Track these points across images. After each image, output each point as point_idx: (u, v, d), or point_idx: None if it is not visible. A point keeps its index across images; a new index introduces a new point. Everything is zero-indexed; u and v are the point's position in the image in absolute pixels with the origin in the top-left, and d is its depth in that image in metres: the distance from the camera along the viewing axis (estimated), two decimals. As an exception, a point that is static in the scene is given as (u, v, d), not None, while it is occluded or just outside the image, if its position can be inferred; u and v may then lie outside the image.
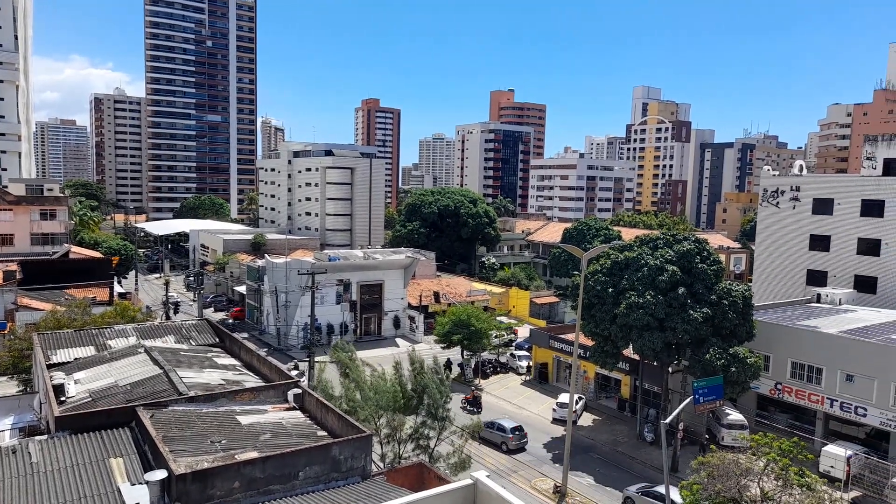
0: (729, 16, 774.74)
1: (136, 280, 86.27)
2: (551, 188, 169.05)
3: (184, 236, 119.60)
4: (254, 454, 16.54)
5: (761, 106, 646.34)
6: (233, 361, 26.38)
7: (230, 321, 72.66)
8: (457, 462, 26.92)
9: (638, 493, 32.36)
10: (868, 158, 55.21)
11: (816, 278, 54.63)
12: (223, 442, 17.37)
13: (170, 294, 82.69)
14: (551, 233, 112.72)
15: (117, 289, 61.80)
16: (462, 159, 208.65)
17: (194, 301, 79.18)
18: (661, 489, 29.36)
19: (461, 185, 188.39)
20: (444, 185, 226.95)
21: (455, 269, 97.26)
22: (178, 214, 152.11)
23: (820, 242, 54.99)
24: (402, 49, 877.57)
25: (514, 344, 61.41)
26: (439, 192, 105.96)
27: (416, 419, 29.14)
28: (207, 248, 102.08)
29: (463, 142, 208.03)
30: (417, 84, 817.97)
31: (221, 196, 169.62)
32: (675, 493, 27.97)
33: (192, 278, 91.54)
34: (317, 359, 50.84)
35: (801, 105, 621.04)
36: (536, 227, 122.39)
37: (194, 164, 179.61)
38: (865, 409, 36.22)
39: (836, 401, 37.44)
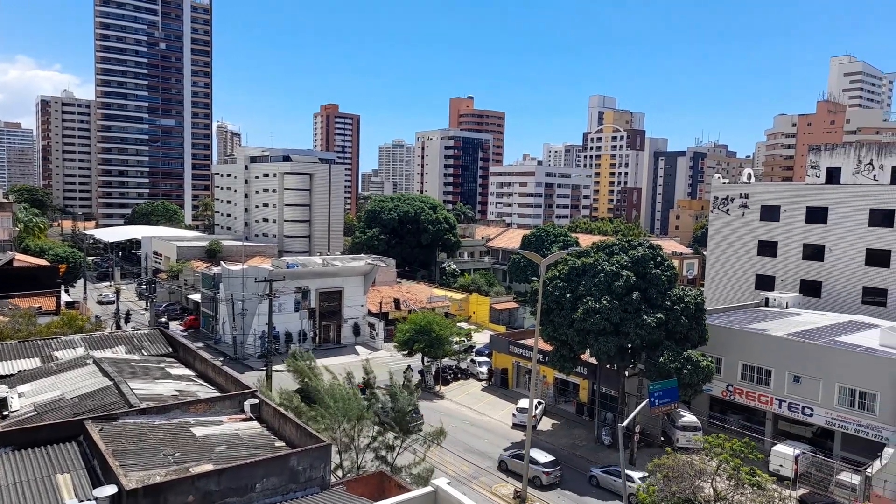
0: (680, 28, 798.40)
1: (85, 288, 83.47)
2: (510, 195, 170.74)
3: (135, 243, 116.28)
4: (209, 466, 16.15)
5: (712, 116, 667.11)
6: (187, 372, 25.72)
7: (182, 329, 70.88)
8: (420, 472, 26.53)
9: (602, 472, 35.47)
10: (812, 167, 57.54)
11: (765, 283, 56.52)
12: (176, 455, 16.91)
13: (105, 296, 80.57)
14: (511, 239, 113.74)
15: (64, 298, 59.58)
16: (422, 166, 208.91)
17: (146, 310, 76.99)
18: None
19: (421, 192, 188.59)
20: (404, 192, 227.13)
21: (415, 275, 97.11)
22: (130, 221, 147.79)
23: (768, 248, 56.94)
24: (361, 55, 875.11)
25: (474, 350, 61.63)
26: (399, 199, 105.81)
27: (376, 428, 28.84)
28: (160, 255, 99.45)
29: (423, 148, 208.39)
30: (377, 90, 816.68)
31: (175, 202, 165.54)
32: (634, 473, 29.50)
33: (144, 286, 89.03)
34: (275, 367, 50.03)
35: (749, 115, 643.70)
36: (496, 233, 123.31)
37: (147, 170, 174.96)
38: (812, 409, 37.58)
39: (785, 401, 38.75)
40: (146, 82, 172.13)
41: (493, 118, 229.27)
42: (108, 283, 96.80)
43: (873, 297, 50.38)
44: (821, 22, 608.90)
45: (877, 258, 50.32)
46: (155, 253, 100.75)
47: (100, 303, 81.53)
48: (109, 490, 14.24)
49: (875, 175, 53.35)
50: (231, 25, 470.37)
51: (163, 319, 71.43)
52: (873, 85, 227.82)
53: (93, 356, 25.36)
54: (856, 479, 32.79)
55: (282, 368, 52.34)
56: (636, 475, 33.08)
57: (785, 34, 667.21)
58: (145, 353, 27.90)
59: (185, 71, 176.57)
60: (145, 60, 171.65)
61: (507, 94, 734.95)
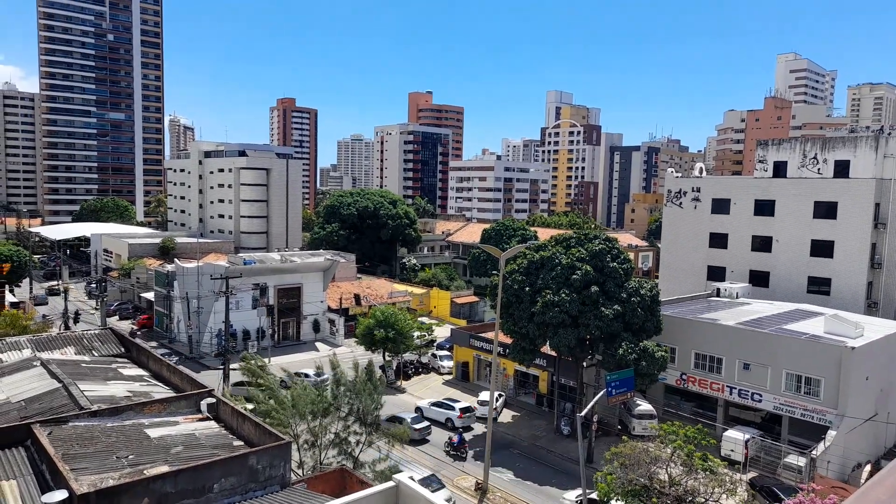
0: (634, 25, 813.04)
1: (31, 288, 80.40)
2: (470, 189, 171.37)
3: (84, 241, 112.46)
4: (164, 468, 15.83)
5: (665, 111, 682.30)
6: (140, 372, 25.10)
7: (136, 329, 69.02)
8: (384, 469, 26.39)
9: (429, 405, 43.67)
10: (760, 161, 59.44)
11: (716, 274, 58.24)
12: (130, 457, 16.51)
13: (37, 297, 77.54)
14: (471, 233, 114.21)
15: (9, 298, 57.33)
16: (381, 160, 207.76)
17: (96, 309, 74.64)
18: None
19: (381, 187, 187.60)
20: (363, 187, 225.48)
21: (376, 270, 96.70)
22: (78, 218, 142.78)
23: (719, 240, 58.66)
24: (318, 49, 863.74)
25: (435, 344, 61.77)
26: (359, 194, 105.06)
27: (339, 424, 28.63)
28: (111, 253, 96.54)
29: (382, 143, 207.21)
30: (334, 84, 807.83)
31: (126, 198, 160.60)
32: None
33: (94, 285, 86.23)
34: (233, 366, 49.23)
35: (700, 110, 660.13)
36: (456, 227, 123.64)
37: (95, 165, 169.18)
38: (761, 395, 38.96)
39: (735, 388, 40.06)
40: (94, 75, 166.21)
41: (452, 113, 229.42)
42: (55, 283, 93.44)
43: (818, 287, 52.46)
44: (769, 20, 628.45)
45: (821, 249, 52.38)
46: (105, 251, 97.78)
47: (37, 304, 77.80)
48: (59, 495, 13.82)
49: (819, 169, 55.46)
50: (182, 17, 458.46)
51: (113, 318, 69.32)
52: (817, 82, 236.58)
53: (40, 358, 24.52)
54: (801, 462, 34.17)
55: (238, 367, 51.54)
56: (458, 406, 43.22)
57: (734, 32, 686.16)
58: (96, 354, 27.11)
59: (134, 63, 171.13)
60: (92, 52, 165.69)
61: (466, 90, 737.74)
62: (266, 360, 39.83)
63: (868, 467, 35.65)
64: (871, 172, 52.05)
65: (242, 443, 18.51)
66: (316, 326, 66.79)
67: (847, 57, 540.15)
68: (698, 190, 60.12)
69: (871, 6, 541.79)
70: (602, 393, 32.72)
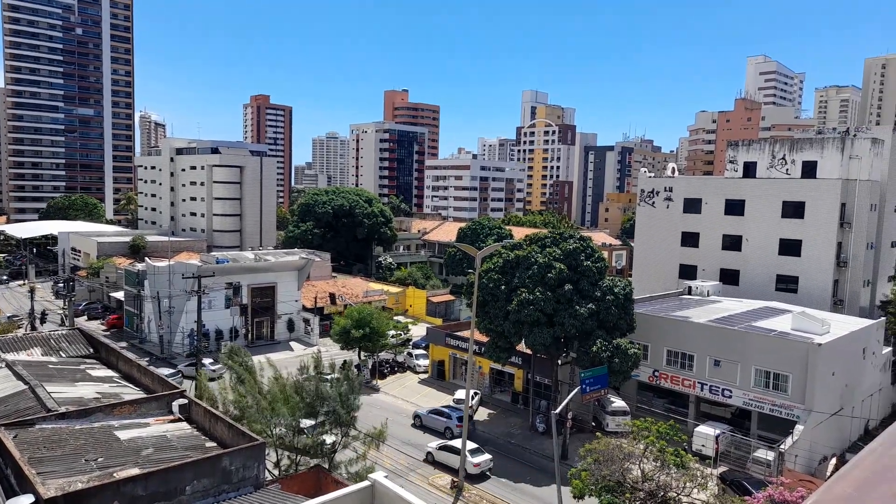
0: (609, 27, 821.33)
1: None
2: (446, 188, 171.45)
3: (52, 239, 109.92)
4: (135, 471, 15.56)
5: (638, 111, 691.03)
6: (110, 373, 24.63)
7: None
8: (359, 470, 26.20)
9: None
10: (731, 161, 60.50)
11: (688, 272, 59.13)
12: (100, 460, 16.20)
13: None
14: (447, 232, 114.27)
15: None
16: (357, 159, 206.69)
17: (64, 309, 73.00)
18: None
19: (356, 185, 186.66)
20: (338, 185, 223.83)
21: (351, 269, 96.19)
22: (45, 216, 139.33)
23: (690, 239, 59.56)
24: (293, 46, 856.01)
25: (411, 343, 61.69)
26: (334, 192, 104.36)
27: (315, 424, 28.35)
28: (79, 251, 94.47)
29: (357, 141, 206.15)
30: (309, 82, 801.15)
31: (95, 196, 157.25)
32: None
33: (61, 285, 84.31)
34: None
35: (673, 111, 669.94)
36: (432, 226, 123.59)
37: (63, 161, 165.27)
38: (731, 391, 39.69)
39: (706, 384, 40.74)
40: (61, 69, 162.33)
41: (428, 111, 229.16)
42: (21, 283, 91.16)
43: (786, 285, 53.58)
44: (740, 23, 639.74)
45: (789, 248, 53.51)
46: (73, 249, 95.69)
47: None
48: (25, 500, 13.51)
49: (787, 169, 56.63)
50: (155, 12, 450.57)
51: (82, 318, 67.91)
52: (786, 84, 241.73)
53: (5, 359, 23.92)
54: (770, 456, 34.89)
55: (210, 366, 50.85)
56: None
57: (706, 34, 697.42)
58: (64, 355, 26.53)
59: (104, 58, 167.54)
60: (60, 46, 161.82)
61: (442, 89, 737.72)
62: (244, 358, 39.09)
63: (834, 460, 36.56)
64: (838, 173, 53.32)
65: (215, 444, 18.28)
66: (290, 326, 66.22)
67: (814, 60, 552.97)
68: (671, 190, 60.95)
69: (836, 10, 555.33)
70: (576, 390, 33.04)
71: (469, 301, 45.13)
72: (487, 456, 36.40)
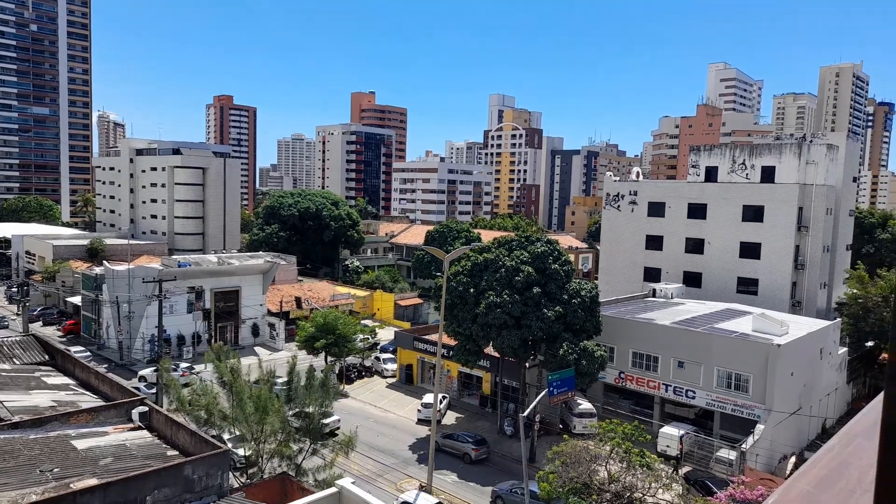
0: (575, 32, 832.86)
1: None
2: (414, 191, 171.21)
3: (4, 242, 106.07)
4: (93, 481, 15.02)
5: (603, 116, 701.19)
6: (66, 380, 23.80)
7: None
8: (326, 477, 25.69)
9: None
10: (693, 166, 61.77)
11: (652, 275, 60.09)
12: (55, 470, 15.59)
13: None
14: (414, 235, 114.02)
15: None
16: (323, 161, 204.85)
17: (18, 315, 70.47)
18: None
19: (323, 187, 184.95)
20: (304, 187, 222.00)
21: (318, 273, 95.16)
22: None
23: (654, 242, 60.56)
24: (257, 46, 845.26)
25: (378, 347, 61.25)
26: (300, 194, 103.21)
27: (284, 432, 27.76)
28: (34, 255, 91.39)
29: (324, 143, 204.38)
30: (274, 83, 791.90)
31: (50, 197, 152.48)
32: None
33: (15, 289, 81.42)
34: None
35: (637, 116, 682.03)
36: (400, 229, 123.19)
37: (16, 161, 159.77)
38: (694, 392, 40.40)
39: (670, 386, 41.39)
40: (15, 66, 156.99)
41: (395, 114, 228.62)
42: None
43: (746, 287, 54.88)
44: (700, 29, 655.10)
45: (749, 250, 54.84)
46: (28, 253, 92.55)
47: None
48: (-25, 515, 12.90)
49: (747, 174, 58.07)
50: (113, 10, 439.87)
51: (37, 324, 65.63)
52: (745, 91, 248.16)
53: (-47, 367, 22.90)
54: (732, 455, 35.61)
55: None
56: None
57: (671, 40, 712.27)
58: (17, 362, 25.54)
59: (60, 56, 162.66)
60: (14, 43, 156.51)
61: (410, 92, 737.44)
62: (201, 366, 38.18)
63: (793, 459, 37.49)
64: (795, 178, 54.88)
65: (177, 452, 17.79)
66: (255, 330, 65.15)
67: (772, 67, 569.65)
68: (635, 193, 61.89)
69: (793, 18, 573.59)
70: (544, 393, 33.18)
71: (437, 304, 45.08)
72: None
